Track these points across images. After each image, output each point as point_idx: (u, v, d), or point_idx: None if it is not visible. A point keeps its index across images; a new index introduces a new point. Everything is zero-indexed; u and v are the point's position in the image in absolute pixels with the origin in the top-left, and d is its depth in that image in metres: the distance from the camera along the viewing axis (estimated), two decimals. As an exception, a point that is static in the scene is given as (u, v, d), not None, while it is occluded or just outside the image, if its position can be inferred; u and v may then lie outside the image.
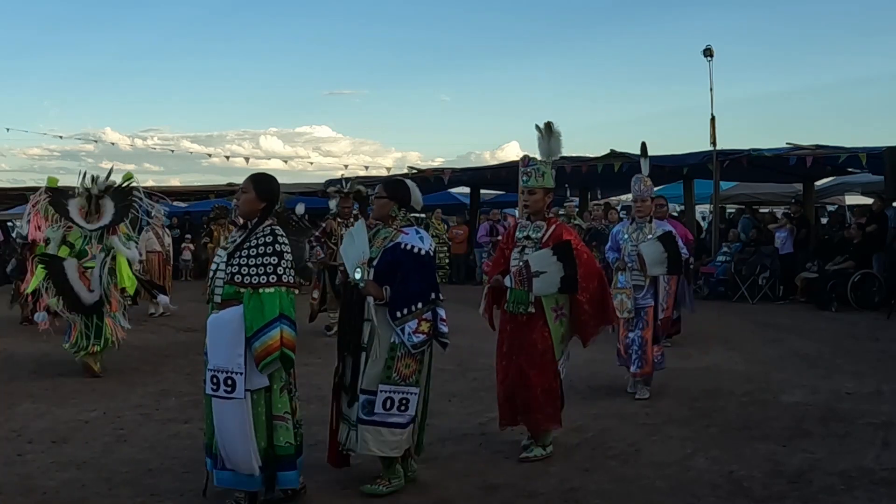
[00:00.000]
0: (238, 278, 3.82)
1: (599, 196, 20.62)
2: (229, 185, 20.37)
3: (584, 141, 76.00)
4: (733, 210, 20.27)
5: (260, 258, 3.82)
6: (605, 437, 5.35)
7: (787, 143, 14.61)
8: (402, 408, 4.19)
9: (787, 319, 11.24)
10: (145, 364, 7.97)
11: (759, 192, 20.17)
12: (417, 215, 17.45)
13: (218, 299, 3.92)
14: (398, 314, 4.14)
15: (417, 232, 4.33)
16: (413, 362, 4.20)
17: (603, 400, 6.20)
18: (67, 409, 6.19)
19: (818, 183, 17.77)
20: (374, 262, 4.22)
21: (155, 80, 59.88)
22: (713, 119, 15.09)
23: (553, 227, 4.92)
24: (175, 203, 21.48)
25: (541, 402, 4.85)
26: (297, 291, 4.01)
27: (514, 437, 5.35)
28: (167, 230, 12.87)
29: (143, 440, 5.31)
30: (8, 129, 29.68)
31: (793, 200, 16.86)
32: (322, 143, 56.48)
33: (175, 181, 49.61)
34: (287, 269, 3.86)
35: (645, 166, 6.60)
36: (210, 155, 32.15)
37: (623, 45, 56.49)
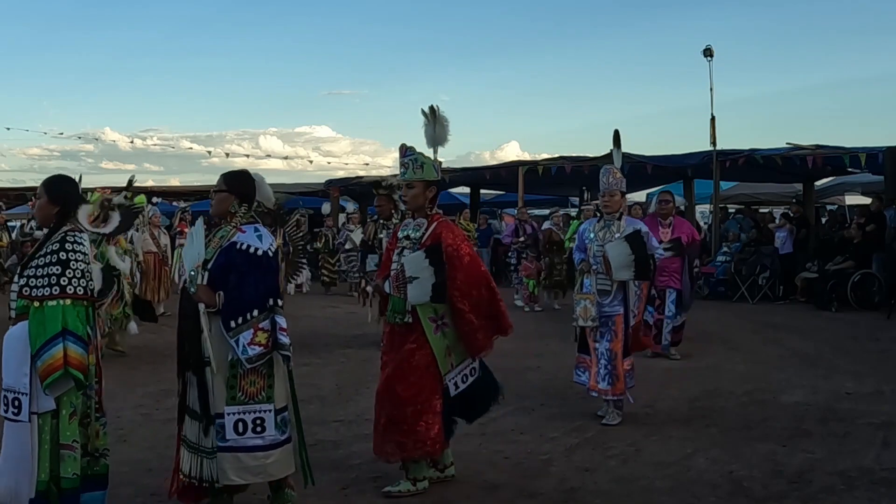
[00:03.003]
0: (26, 291, 3.47)
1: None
2: (229, 185, 20.36)
3: (584, 141, 76.02)
4: (734, 210, 20.27)
5: (45, 268, 3.46)
6: (605, 437, 5.34)
7: (787, 143, 14.63)
8: (259, 429, 3.72)
9: (787, 319, 11.25)
10: (145, 364, 7.96)
11: (759, 192, 20.20)
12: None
13: (13, 314, 3.59)
14: (232, 324, 3.67)
15: (257, 230, 3.84)
16: (258, 378, 3.73)
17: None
18: (67, 409, 6.17)
19: (818, 183, 17.81)
20: (209, 265, 3.79)
21: (155, 80, 60.13)
22: (713, 119, 15.11)
23: (434, 225, 4.30)
24: (174, 203, 21.48)
25: (409, 423, 4.15)
26: (85, 303, 3.53)
27: (514, 437, 5.35)
28: (164, 230, 12.85)
29: (143, 440, 5.31)
30: (8, 129, 29.54)
31: (793, 200, 16.87)
32: (322, 143, 56.58)
33: (175, 181, 49.72)
34: (74, 279, 3.44)
35: (617, 158, 6.07)
36: (210, 153, 32.21)
37: (623, 45, 56.62)
